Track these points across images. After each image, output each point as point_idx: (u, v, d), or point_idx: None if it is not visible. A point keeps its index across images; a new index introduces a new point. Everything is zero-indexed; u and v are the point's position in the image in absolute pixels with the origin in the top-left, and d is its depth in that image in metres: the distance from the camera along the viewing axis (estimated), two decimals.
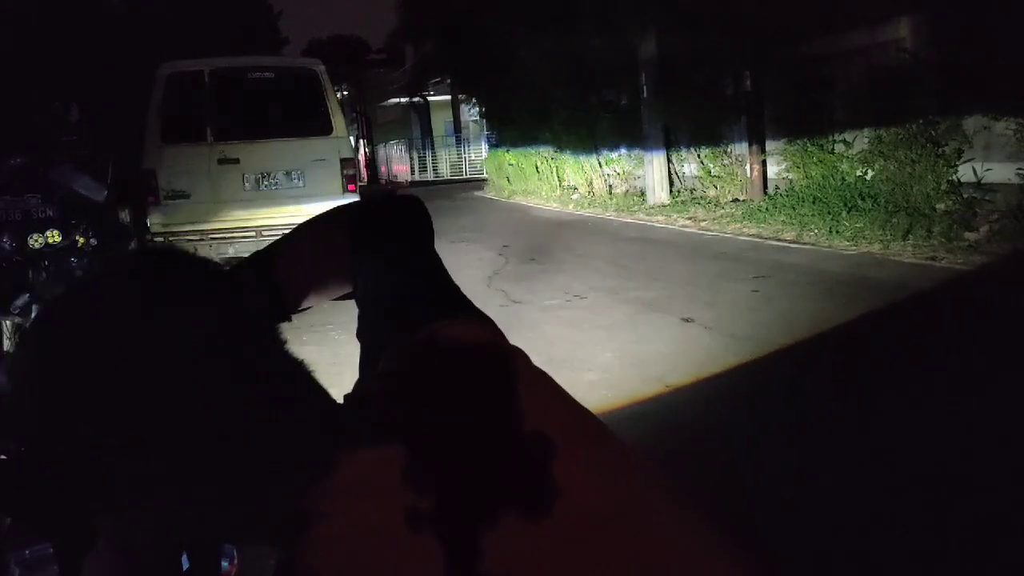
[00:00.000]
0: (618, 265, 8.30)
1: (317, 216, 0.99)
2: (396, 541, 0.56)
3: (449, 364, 0.69)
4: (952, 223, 7.95)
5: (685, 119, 12.88)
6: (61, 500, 0.60)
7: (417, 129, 33.30)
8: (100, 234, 4.82)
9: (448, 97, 29.89)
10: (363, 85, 33.43)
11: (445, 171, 30.53)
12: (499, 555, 0.56)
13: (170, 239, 7.70)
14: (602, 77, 14.78)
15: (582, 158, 16.01)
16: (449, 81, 26.72)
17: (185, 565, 0.78)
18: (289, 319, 0.87)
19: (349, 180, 7.99)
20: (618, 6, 13.05)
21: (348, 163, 8.03)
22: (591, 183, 16.07)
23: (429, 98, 32.03)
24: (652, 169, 13.69)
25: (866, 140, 9.37)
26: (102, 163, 7.21)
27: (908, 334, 5.00)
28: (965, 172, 8.24)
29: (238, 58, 9.00)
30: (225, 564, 0.85)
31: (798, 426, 3.66)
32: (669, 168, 13.72)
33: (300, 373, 0.69)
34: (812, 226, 9.34)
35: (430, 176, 30.09)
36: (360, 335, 0.84)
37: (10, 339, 4.09)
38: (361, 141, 28.22)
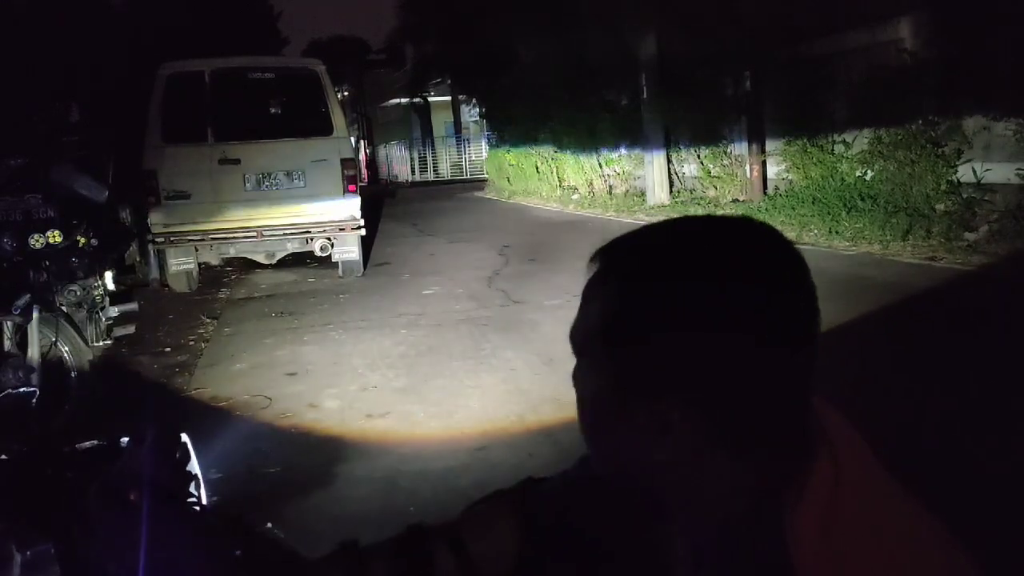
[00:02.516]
0: None
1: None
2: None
3: None
4: (952, 223, 7.96)
5: (685, 119, 12.87)
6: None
7: (417, 129, 33.27)
8: (100, 234, 4.83)
9: (448, 97, 29.88)
10: (363, 85, 33.41)
11: (445, 171, 30.51)
12: None
13: (171, 239, 7.70)
14: (602, 77, 14.79)
15: (582, 158, 16.01)
16: (449, 81, 26.71)
17: None
18: None
19: (350, 180, 8.00)
20: (618, 7, 13.05)
21: (349, 163, 8.04)
22: (591, 183, 16.07)
23: (429, 98, 31.99)
24: (652, 169, 13.69)
25: (866, 140, 9.37)
26: (102, 163, 7.22)
27: (907, 334, 5.00)
28: (965, 172, 8.24)
29: (238, 58, 9.00)
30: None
31: None
32: (669, 168, 13.72)
33: None
34: (812, 226, 9.35)
35: (430, 176, 30.07)
36: None
37: (10, 339, 4.09)
38: (362, 141, 28.21)
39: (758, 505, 0.67)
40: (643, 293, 0.68)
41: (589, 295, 0.72)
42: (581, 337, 0.73)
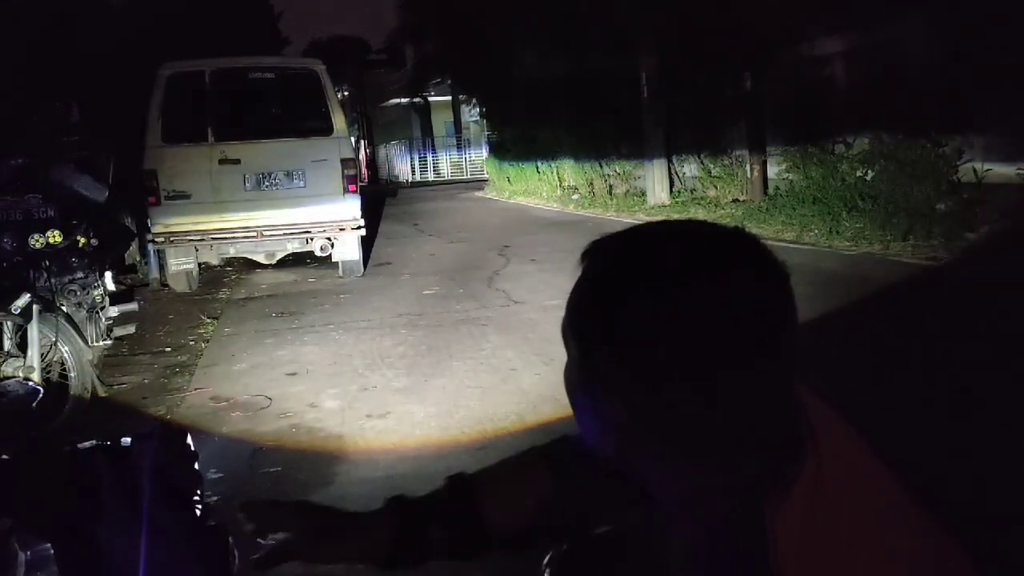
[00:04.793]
0: None
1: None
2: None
3: None
4: (952, 223, 7.95)
5: (685, 120, 12.88)
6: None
7: (418, 129, 33.30)
8: (100, 234, 4.83)
9: (448, 97, 29.89)
10: (364, 85, 33.42)
11: (446, 171, 30.55)
12: None
13: (171, 239, 7.70)
14: (603, 78, 14.79)
15: (586, 166, 16.04)
16: (449, 81, 26.72)
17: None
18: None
19: (350, 180, 7.99)
20: (619, 9, 13.05)
21: (349, 163, 8.03)
22: (591, 183, 16.07)
23: (429, 98, 32.02)
24: (652, 170, 13.69)
25: (866, 141, 9.37)
26: (102, 163, 7.21)
27: (908, 334, 5.00)
28: (965, 172, 8.24)
29: (238, 58, 9.00)
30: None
31: None
32: (669, 168, 13.72)
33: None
34: (812, 226, 9.34)
35: (431, 176, 30.10)
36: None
37: (10, 339, 4.09)
38: (362, 141, 28.21)
39: (743, 507, 0.67)
40: (601, 292, 0.69)
41: (572, 290, 0.74)
42: (563, 327, 0.75)
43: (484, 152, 25.65)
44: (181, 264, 7.95)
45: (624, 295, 0.66)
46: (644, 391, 0.65)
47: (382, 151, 33.69)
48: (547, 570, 0.93)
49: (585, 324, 0.70)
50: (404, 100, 32.59)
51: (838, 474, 0.68)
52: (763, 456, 0.68)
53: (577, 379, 0.72)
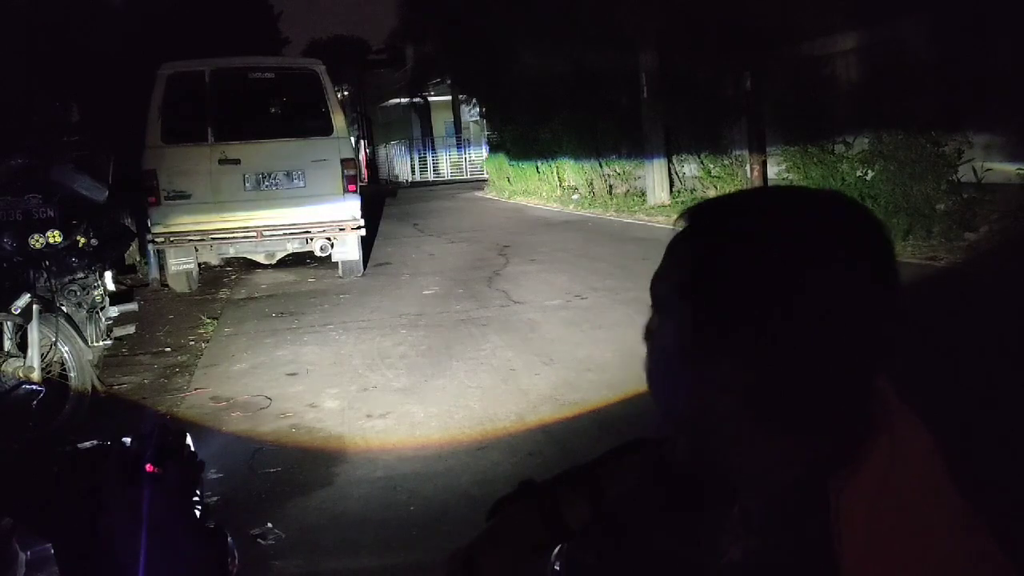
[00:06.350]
0: (618, 265, 8.30)
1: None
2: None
3: None
4: (952, 223, 7.95)
5: (685, 120, 12.88)
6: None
7: (418, 129, 33.29)
8: (100, 234, 4.83)
9: (448, 97, 29.89)
10: (364, 85, 33.40)
11: (446, 171, 30.54)
12: None
13: (171, 239, 7.70)
14: (603, 77, 14.80)
15: (585, 164, 16.04)
16: (449, 81, 26.72)
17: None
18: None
19: (350, 180, 7.99)
20: (619, 9, 13.05)
21: (349, 163, 8.03)
22: (591, 183, 16.07)
23: (429, 98, 32.04)
24: (652, 169, 13.70)
25: (866, 140, 9.37)
26: (102, 163, 7.21)
27: (907, 333, 4.99)
28: (965, 172, 8.24)
29: (238, 58, 9.00)
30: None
31: None
32: (669, 168, 13.73)
33: None
34: None
35: (431, 176, 30.09)
36: None
37: (10, 339, 4.09)
38: (362, 141, 28.19)
39: (808, 478, 0.68)
40: (720, 253, 0.68)
41: (672, 250, 0.73)
42: (660, 290, 0.74)
43: (484, 152, 25.63)
44: (181, 264, 7.95)
45: (738, 259, 0.67)
46: (754, 351, 0.66)
47: (382, 151, 33.66)
48: (557, 562, 0.93)
49: (696, 286, 0.69)
50: (404, 100, 32.60)
51: (912, 463, 0.68)
52: (839, 427, 0.68)
53: (677, 340, 0.71)
